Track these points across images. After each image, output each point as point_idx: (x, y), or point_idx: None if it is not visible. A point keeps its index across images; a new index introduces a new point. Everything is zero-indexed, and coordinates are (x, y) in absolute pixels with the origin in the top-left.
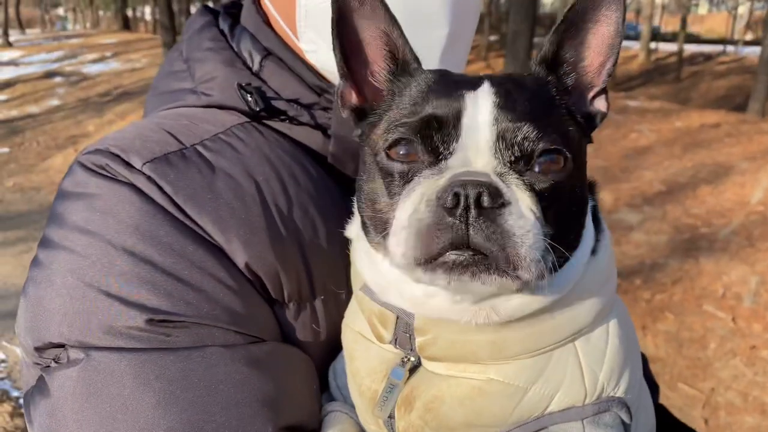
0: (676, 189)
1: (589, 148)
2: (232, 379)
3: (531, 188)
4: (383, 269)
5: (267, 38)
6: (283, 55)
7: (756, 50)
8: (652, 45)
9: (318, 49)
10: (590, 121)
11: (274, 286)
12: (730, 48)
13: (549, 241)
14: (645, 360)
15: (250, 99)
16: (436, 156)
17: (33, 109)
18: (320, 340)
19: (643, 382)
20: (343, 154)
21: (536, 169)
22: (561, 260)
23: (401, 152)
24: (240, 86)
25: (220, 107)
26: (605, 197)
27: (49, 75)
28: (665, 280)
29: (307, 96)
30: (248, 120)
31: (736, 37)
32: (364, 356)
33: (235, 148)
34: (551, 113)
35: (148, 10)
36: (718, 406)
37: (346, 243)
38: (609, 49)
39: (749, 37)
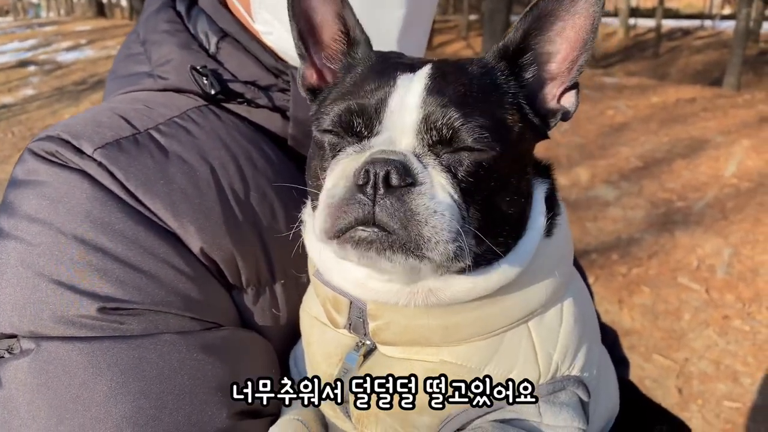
0: (652, 164)
1: (567, 126)
2: (186, 366)
3: (449, 170)
4: (324, 252)
5: (223, 19)
6: (240, 36)
7: (733, 24)
8: (631, 21)
9: (273, 30)
10: (551, 116)
11: (231, 271)
12: (707, 23)
13: (469, 226)
14: (615, 336)
15: (205, 82)
16: (359, 136)
17: (7, 99)
18: (280, 324)
19: (607, 359)
20: (303, 136)
21: (457, 153)
22: (497, 247)
23: (332, 131)
24: (194, 68)
25: (177, 90)
26: (582, 174)
27: (23, 64)
28: (641, 254)
29: (265, 78)
30: (205, 103)
31: (714, 11)
32: (320, 341)
33: (190, 132)
34: (486, 100)
35: None
36: (691, 375)
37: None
38: (583, 44)
39: (727, 11)
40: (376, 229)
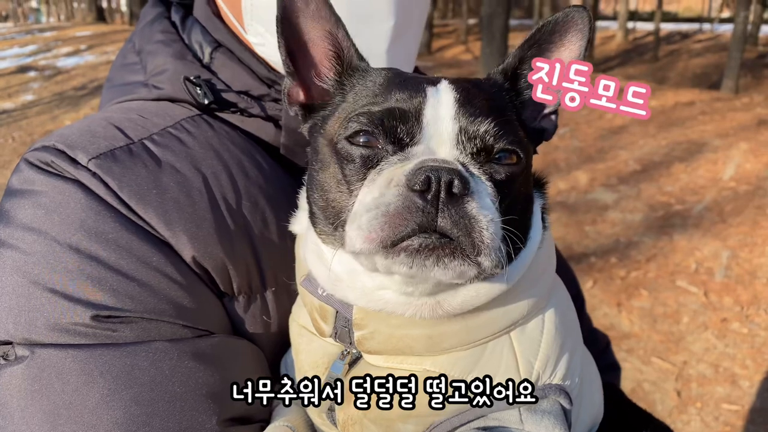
0: (651, 167)
1: (566, 130)
2: (177, 373)
3: (491, 179)
4: (332, 263)
5: (217, 30)
6: (233, 47)
7: (731, 27)
8: (630, 25)
9: (266, 42)
10: (538, 135)
11: (222, 279)
12: (706, 26)
13: (509, 228)
14: (607, 342)
15: (198, 92)
16: (400, 145)
17: (7, 104)
18: (271, 332)
19: (591, 365)
20: (295, 145)
21: (496, 162)
22: (513, 252)
23: (362, 140)
24: (187, 79)
25: (172, 100)
26: (581, 178)
27: (23, 69)
28: (640, 257)
29: (258, 87)
30: (199, 113)
31: (713, 14)
32: (307, 349)
33: (184, 142)
34: (506, 114)
35: (123, 0)
36: (690, 378)
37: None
38: None
39: (726, 14)
40: (437, 236)
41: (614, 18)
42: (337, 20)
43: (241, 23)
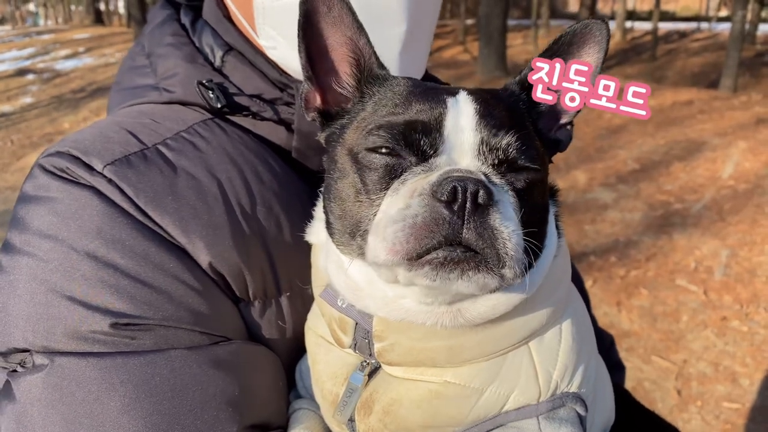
0: (650, 167)
1: None
2: (197, 381)
3: (512, 189)
4: (351, 272)
5: (228, 33)
6: (245, 50)
7: (729, 26)
8: (628, 24)
9: (277, 45)
10: (554, 146)
11: (238, 284)
12: (704, 25)
13: (530, 240)
14: (612, 341)
15: (211, 96)
16: (422, 156)
17: (5, 107)
18: (287, 337)
19: (603, 369)
20: (307, 149)
21: (517, 173)
22: (532, 261)
23: (384, 150)
24: (200, 84)
25: (183, 104)
26: (580, 177)
27: (21, 72)
28: (639, 256)
29: (270, 91)
30: (211, 117)
31: (711, 13)
32: (325, 360)
33: (198, 147)
34: (524, 125)
35: (121, 2)
36: (690, 377)
37: None
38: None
39: (724, 13)
40: (462, 249)
41: (612, 17)
42: (360, 27)
43: (253, 26)
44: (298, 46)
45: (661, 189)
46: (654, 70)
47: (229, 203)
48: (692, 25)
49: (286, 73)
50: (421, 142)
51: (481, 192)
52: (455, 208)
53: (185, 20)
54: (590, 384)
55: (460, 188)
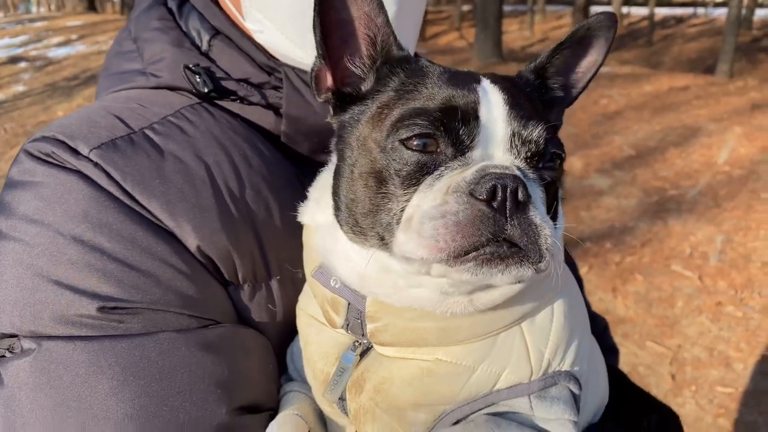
0: (645, 153)
1: None
2: (186, 363)
3: (542, 183)
4: (360, 260)
5: (215, 17)
6: (232, 34)
7: (726, 11)
8: (624, 10)
9: (264, 29)
10: None
11: (227, 268)
12: (700, 10)
13: (558, 232)
14: (606, 326)
15: (198, 80)
16: (459, 148)
17: None
18: (277, 321)
19: (596, 350)
20: (296, 133)
21: (544, 165)
22: None
23: (418, 143)
24: (186, 68)
25: (170, 88)
26: (575, 163)
27: (14, 60)
28: (635, 242)
29: (257, 75)
30: (199, 101)
31: None
32: (316, 340)
33: (185, 130)
34: (544, 115)
35: None
36: (684, 361)
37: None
38: (589, 74)
39: None
40: (508, 245)
41: (609, 3)
42: (379, 4)
43: (239, 10)
44: (313, 21)
45: (656, 175)
46: (650, 55)
47: (217, 186)
48: (689, 10)
49: (273, 57)
50: (460, 132)
51: (520, 190)
52: (495, 205)
53: (172, 4)
54: (583, 363)
55: (500, 187)
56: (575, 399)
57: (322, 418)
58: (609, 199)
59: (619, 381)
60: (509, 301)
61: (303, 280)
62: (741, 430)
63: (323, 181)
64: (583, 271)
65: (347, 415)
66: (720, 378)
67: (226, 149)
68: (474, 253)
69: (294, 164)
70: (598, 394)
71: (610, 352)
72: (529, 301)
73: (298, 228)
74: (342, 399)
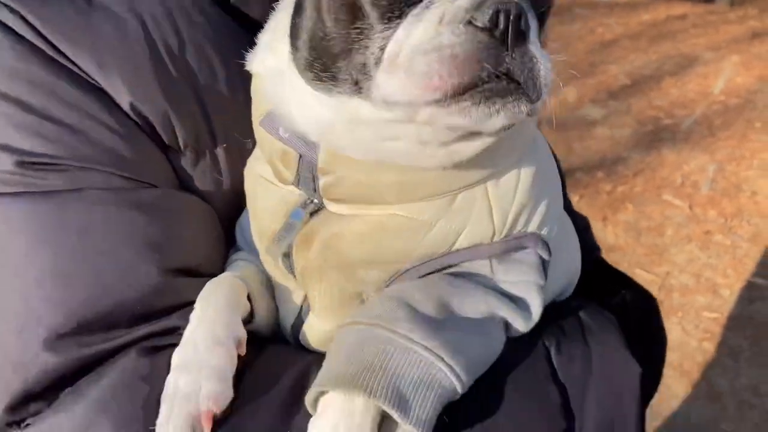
0: (641, 82)
1: (557, 45)
2: (113, 221)
3: (539, 11)
4: (323, 110)
5: None
6: None
7: None
8: None
9: None
10: None
11: (165, 131)
12: None
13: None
14: (587, 225)
15: None
16: None
17: None
18: (224, 189)
19: (569, 223)
20: None
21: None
22: None
23: None
24: None
25: None
26: (569, 93)
27: None
28: (627, 172)
29: None
30: None
31: None
32: (264, 196)
33: None
34: None
35: None
36: (672, 288)
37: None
38: None
39: None
40: (507, 80)
41: None
42: None
43: None
44: None
45: (651, 104)
46: None
47: (152, 42)
48: None
49: None
50: None
51: (523, 18)
52: (497, 34)
53: None
54: (552, 226)
55: (503, 13)
56: (543, 265)
57: (268, 283)
58: (602, 130)
59: (596, 262)
60: (479, 157)
61: (252, 150)
62: (725, 353)
63: (276, 23)
64: (573, 200)
65: (294, 276)
66: (707, 304)
67: (166, 6)
68: (471, 91)
69: (245, 29)
70: (569, 265)
71: (592, 251)
72: (499, 157)
73: (248, 96)
74: (288, 256)
